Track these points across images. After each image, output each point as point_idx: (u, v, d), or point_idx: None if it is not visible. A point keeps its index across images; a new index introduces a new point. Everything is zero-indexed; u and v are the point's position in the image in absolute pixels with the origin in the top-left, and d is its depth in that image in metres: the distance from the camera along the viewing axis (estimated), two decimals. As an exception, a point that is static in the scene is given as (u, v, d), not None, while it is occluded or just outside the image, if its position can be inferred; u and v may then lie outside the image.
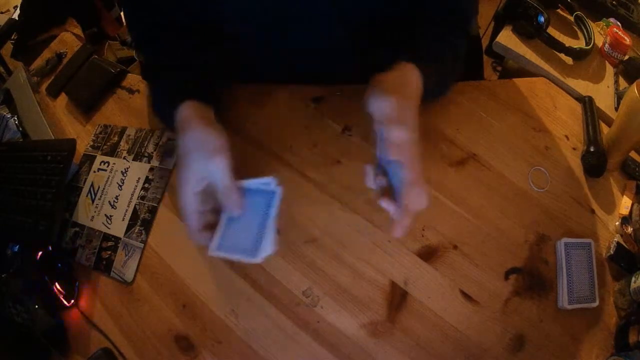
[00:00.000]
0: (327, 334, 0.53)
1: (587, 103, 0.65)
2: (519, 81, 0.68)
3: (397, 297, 0.53)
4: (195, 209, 0.46)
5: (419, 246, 0.56)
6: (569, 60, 0.72)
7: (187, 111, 0.50)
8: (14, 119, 0.81)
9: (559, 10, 0.81)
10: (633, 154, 0.62)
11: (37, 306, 0.58)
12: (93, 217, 0.67)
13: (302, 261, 0.56)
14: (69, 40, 0.92)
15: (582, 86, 0.69)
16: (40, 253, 0.62)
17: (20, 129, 0.80)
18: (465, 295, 0.53)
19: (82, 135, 0.76)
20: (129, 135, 0.72)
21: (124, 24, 1.37)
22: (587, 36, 0.75)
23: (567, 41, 0.72)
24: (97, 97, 0.78)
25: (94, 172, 0.71)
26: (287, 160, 0.63)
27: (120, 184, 0.68)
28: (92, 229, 0.66)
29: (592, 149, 0.59)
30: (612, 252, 0.54)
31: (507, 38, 0.73)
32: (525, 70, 0.72)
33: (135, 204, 0.65)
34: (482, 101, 0.65)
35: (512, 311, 0.52)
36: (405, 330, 0.52)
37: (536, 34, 0.72)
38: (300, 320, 0.54)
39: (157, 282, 0.60)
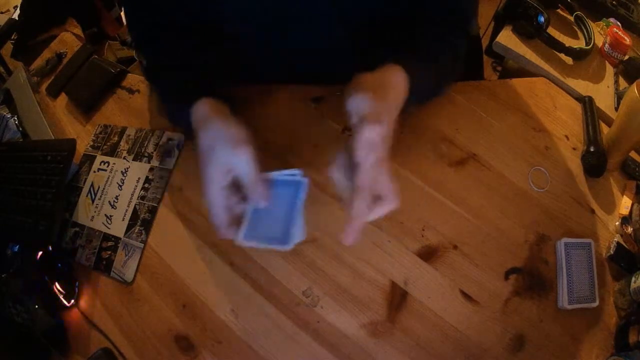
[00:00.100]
0: (327, 334, 0.53)
1: (587, 103, 0.65)
2: (519, 81, 0.68)
3: (397, 297, 0.53)
4: (223, 205, 0.45)
5: (419, 246, 0.56)
6: (569, 60, 0.72)
7: (203, 108, 0.49)
8: (14, 119, 0.81)
9: (559, 10, 0.81)
10: (633, 154, 0.62)
11: (37, 306, 0.58)
12: (93, 217, 0.67)
13: (302, 261, 0.56)
14: (69, 40, 0.92)
15: (582, 86, 0.69)
16: (40, 253, 0.62)
17: (20, 129, 0.80)
18: (465, 295, 0.53)
19: (82, 135, 0.76)
20: (129, 135, 0.72)
21: (124, 24, 1.37)
22: (587, 36, 0.75)
23: (567, 41, 0.72)
24: (97, 97, 0.78)
25: (94, 172, 0.71)
26: (287, 160, 0.63)
27: (120, 184, 0.68)
28: (92, 229, 0.66)
29: (592, 149, 0.59)
30: (612, 252, 0.54)
31: (507, 38, 0.73)
32: (525, 70, 0.72)
33: (135, 204, 0.65)
34: (482, 101, 0.65)
35: (512, 311, 0.52)
36: (405, 330, 0.52)
37: (536, 34, 0.72)
38: (300, 320, 0.54)
39: (157, 282, 0.60)
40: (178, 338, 0.56)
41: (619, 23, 0.79)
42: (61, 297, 0.60)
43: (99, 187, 0.69)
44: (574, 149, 0.62)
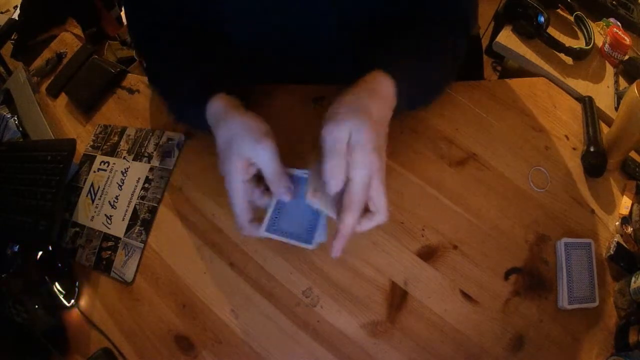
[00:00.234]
0: (327, 333, 0.53)
1: (587, 103, 0.65)
2: (519, 81, 0.68)
3: (397, 297, 0.53)
4: (245, 200, 0.44)
5: (419, 246, 0.56)
6: (569, 60, 0.72)
7: (219, 104, 0.49)
8: (14, 119, 0.81)
9: (559, 10, 0.81)
10: (633, 154, 0.62)
11: (37, 306, 0.58)
12: (93, 217, 0.67)
13: (302, 261, 0.56)
14: (69, 40, 0.92)
15: (582, 86, 0.69)
16: (40, 253, 0.62)
17: (20, 129, 0.80)
18: (465, 295, 0.53)
19: (82, 135, 0.76)
20: (129, 135, 0.72)
21: (124, 24, 1.37)
22: (587, 36, 0.75)
23: (567, 41, 0.72)
24: (97, 97, 0.78)
25: (94, 172, 0.71)
26: (287, 160, 0.63)
27: (120, 184, 0.68)
28: (92, 229, 0.66)
29: (592, 149, 0.59)
30: (612, 252, 0.54)
31: (507, 38, 0.73)
32: (525, 70, 0.72)
33: (135, 204, 0.65)
34: (482, 101, 0.65)
35: (512, 311, 0.52)
36: (405, 330, 0.52)
37: (536, 34, 0.72)
38: (300, 320, 0.54)
39: (157, 282, 0.60)
40: (178, 338, 0.56)
41: (619, 23, 0.79)
42: (61, 297, 0.60)
43: (99, 187, 0.69)
44: (574, 149, 0.62)
